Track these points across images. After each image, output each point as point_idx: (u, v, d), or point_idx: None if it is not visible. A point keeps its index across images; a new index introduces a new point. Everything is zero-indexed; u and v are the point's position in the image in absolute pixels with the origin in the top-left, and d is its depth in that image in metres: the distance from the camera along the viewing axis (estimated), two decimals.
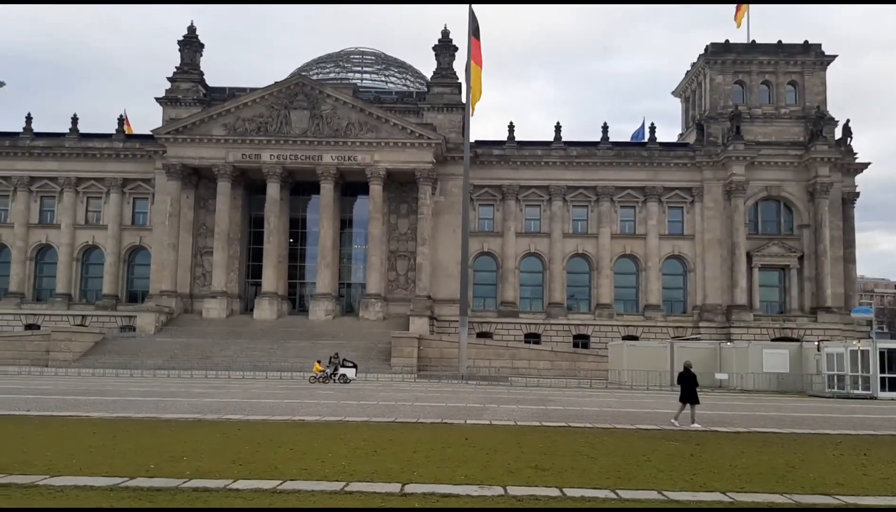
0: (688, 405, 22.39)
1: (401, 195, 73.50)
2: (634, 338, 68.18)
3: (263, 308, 68.36)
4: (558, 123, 74.94)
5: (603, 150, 74.18)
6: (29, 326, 71.46)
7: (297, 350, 59.87)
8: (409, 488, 10.68)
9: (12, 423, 19.25)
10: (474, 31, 55.97)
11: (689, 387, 22.54)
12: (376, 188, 69.49)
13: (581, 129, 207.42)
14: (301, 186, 73.01)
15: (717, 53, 75.52)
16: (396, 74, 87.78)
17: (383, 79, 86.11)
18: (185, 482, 10.71)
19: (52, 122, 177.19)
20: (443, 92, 74.13)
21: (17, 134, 76.23)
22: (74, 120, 75.79)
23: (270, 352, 60.08)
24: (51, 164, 74.96)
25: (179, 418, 20.93)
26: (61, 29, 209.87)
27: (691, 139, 78.12)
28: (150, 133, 71.18)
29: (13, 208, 75.33)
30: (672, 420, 22.14)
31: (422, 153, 69.64)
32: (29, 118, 76.23)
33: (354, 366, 46.24)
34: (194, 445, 14.99)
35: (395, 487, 10.71)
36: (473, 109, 56.72)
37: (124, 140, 75.20)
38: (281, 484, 10.74)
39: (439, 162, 71.29)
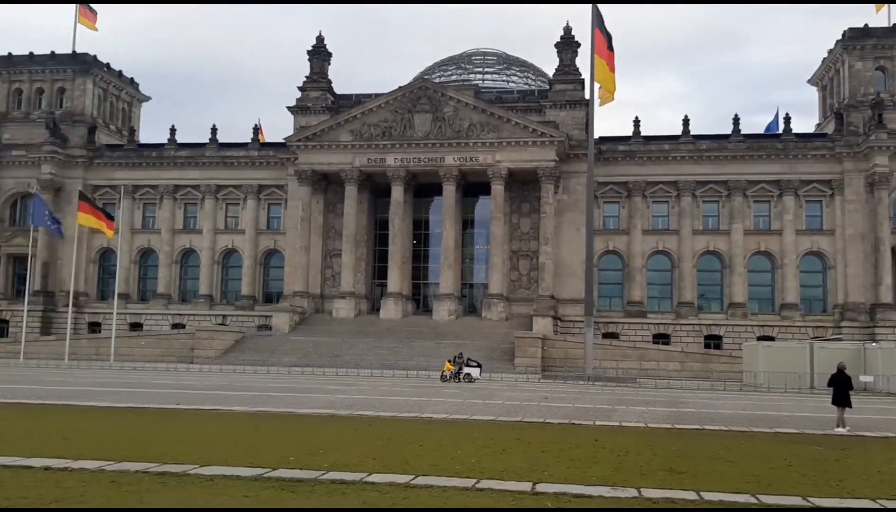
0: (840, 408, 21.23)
1: (523, 194, 73.31)
2: (770, 338, 65.11)
3: (389, 308, 69.89)
4: (686, 117, 72.63)
5: (734, 143, 71.30)
6: (175, 326, 76.04)
7: (421, 349, 60.88)
8: (541, 487, 10.68)
9: (165, 416, 20.59)
10: (599, 24, 55.04)
11: (842, 389, 21.34)
12: (498, 188, 69.63)
13: (711, 123, 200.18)
14: (424, 188, 74.16)
15: (856, 39, 71.02)
16: (518, 73, 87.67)
17: (504, 78, 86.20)
18: (323, 474, 11.14)
19: (193, 133, 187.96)
20: (565, 89, 73.43)
21: (162, 145, 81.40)
22: (213, 130, 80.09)
23: (396, 351, 61.36)
24: (193, 172, 79.51)
25: (314, 413, 21.74)
26: (200, 45, 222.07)
27: (829, 129, 73.81)
28: (283, 141, 74.32)
29: (160, 215, 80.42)
30: (836, 428, 20.77)
31: (544, 151, 69.22)
32: (173, 130, 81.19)
33: (479, 365, 46.52)
34: (330, 439, 15.54)
35: (525, 486, 10.73)
36: (605, 98, 55.22)
37: (259, 148, 78.82)
38: (414, 479, 10.98)
39: (562, 160, 70.64)
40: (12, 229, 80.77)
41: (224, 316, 76.34)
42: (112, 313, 68.56)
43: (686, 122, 72.56)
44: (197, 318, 75.98)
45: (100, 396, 26.61)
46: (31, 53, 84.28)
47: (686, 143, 71.99)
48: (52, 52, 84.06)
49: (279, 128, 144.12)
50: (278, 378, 44.29)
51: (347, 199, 71.60)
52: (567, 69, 73.61)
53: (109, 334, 65.05)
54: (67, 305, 70.55)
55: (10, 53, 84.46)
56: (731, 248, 70.45)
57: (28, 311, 68.86)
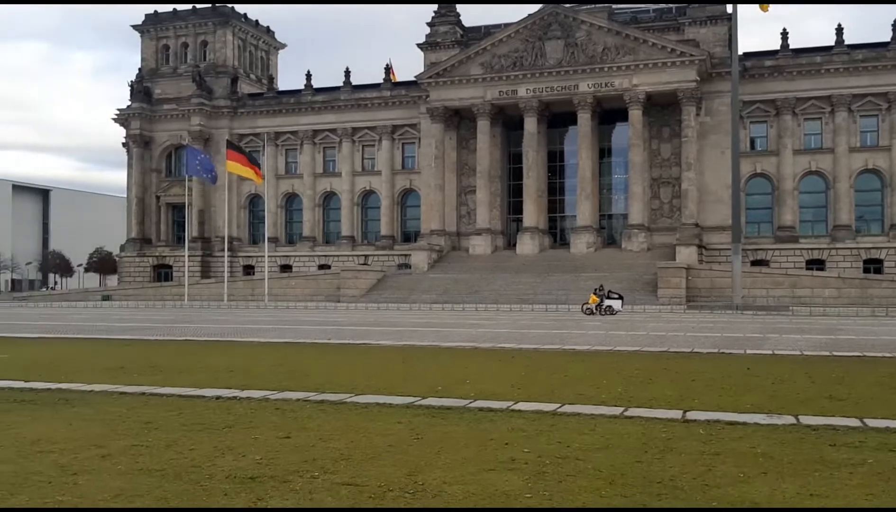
0: None
1: (662, 119, 70.58)
2: None
3: (525, 243, 69.83)
4: (840, 25, 67.12)
5: (894, 52, 65.30)
6: (321, 266, 79.47)
7: (560, 283, 60.64)
8: (691, 415, 10.47)
9: (319, 350, 21.68)
10: None
11: None
12: (636, 113, 67.32)
13: (867, 32, 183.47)
14: (557, 118, 72.82)
15: None
16: None
17: None
18: (470, 402, 11.41)
19: (328, 77, 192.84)
20: (705, 4, 69.37)
21: (299, 91, 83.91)
22: (347, 73, 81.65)
23: (534, 285, 61.44)
24: (329, 116, 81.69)
25: (457, 347, 22.23)
26: None
27: None
28: (414, 79, 74.76)
29: (301, 160, 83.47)
30: None
31: (684, 72, 66.09)
32: (308, 76, 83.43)
33: (620, 297, 45.86)
34: (474, 370, 15.85)
35: (676, 414, 10.56)
36: (764, 7, 51.60)
37: (391, 88, 79.75)
38: (560, 407, 11.04)
39: (703, 80, 67.26)
40: (169, 180, 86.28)
41: (366, 256, 78.93)
42: (263, 256, 72.48)
43: (839, 31, 67.08)
44: (340, 258, 78.95)
45: (259, 333, 28.34)
46: (175, 10, 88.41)
47: (840, 54, 66.65)
48: (194, 7, 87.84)
49: (411, 67, 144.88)
50: (420, 314, 45.52)
51: (480, 133, 71.45)
52: None
53: (262, 276, 68.89)
54: (223, 250, 75.11)
55: (156, 11, 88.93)
56: (892, 165, 65.31)
57: (188, 256, 73.83)
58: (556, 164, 75.01)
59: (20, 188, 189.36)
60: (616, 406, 11.15)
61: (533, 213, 70.42)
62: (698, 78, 66.23)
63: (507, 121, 74.17)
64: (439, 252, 72.15)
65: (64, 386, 13.25)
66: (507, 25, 71.93)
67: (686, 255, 62.73)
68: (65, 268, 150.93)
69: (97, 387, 13.17)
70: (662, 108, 69.77)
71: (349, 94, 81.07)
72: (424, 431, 9.41)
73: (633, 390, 12.87)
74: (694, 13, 69.57)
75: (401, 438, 8.99)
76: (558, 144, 75.06)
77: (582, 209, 69.12)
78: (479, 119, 71.42)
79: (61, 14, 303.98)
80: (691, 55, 65.69)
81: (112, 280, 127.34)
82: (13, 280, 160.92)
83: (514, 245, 71.69)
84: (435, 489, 6.79)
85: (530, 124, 70.15)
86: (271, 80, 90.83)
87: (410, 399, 11.73)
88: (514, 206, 74.79)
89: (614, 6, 74.33)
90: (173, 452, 8.33)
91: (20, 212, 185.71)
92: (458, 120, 75.05)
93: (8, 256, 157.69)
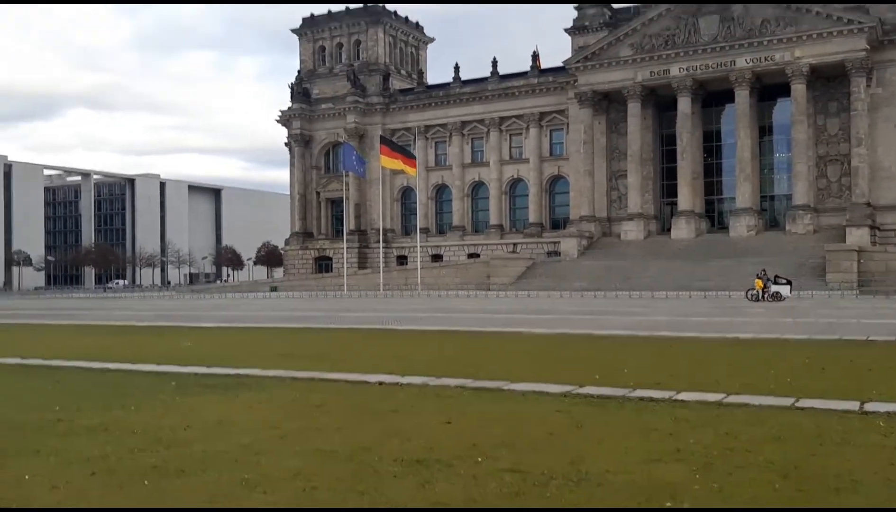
0: None
1: (828, 92, 66.01)
2: None
3: (680, 227, 67.53)
4: None
5: None
6: (471, 255, 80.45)
7: (719, 269, 58.22)
8: (870, 407, 9.84)
9: (474, 337, 22.05)
10: None
11: None
12: (799, 88, 63.37)
13: None
14: (712, 97, 69.80)
15: None
16: None
17: None
18: (630, 392, 11.24)
19: (475, 68, 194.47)
20: None
21: (447, 84, 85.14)
22: (494, 63, 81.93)
23: (691, 271, 59.31)
24: (477, 107, 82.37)
25: (613, 334, 21.92)
26: None
27: None
28: (562, 64, 73.98)
29: (450, 151, 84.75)
30: None
31: (852, 41, 61.50)
32: (457, 68, 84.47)
33: (789, 283, 43.39)
34: (632, 359, 15.59)
35: (852, 405, 9.95)
36: None
37: (538, 75, 79.30)
38: (725, 397, 10.68)
39: (874, 48, 62.31)
40: (327, 176, 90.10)
41: (514, 244, 79.11)
42: (416, 247, 74.30)
43: None
44: (489, 247, 79.55)
45: (414, 321, 29.15)
46: (330, 11, 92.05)
47: None
48: (347, 8, 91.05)
49: (558, 53, 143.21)
50: (571, 302, 45.14)
51: (630, 116, 69.70)
52: None
53: (415, 266, 70.65)
54: (378, 242, 77.68)
55: (312, 14, 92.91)
56: None
57: (346, 248, 76.89)
58: (711, 145, 71.93)
59: (195, 188, 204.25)
60: (786, 397, 10.64)
61: (688, 196, 67.94)
62: (868, 47, 61.39)
63: (659, 102, 71.86)
64: (589, 238, 71.12)
65: (241, 371, 14.25)
66: (657, 3, 69.59)
67: (857, 236, 58.47)
68: (236, 261, 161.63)
69: (270, 372, 14.06)
70: (828, 81, 65.23)
71: (496, 83, 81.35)
72: (584, 419, 9.39)
73: (803, 380, 12.24)
74: None
75: (560, 426, 9.02)
76: (714, 124, 71.94)
77: (741, 191, 65.93)
78: (629, 101, 69.66)
79: (226, 23, 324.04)
80: (860, 22, 60.97)
81: (278, 272, 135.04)
82: (191, 273, 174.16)
83: (669, 230, 69.47)
84: (598, 478, 6.79)
85: (684, 104, 67.63)
86: (421, 74, 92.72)
87: (567, 387, 11.71)
88: (668, 190, 72.44)
89: None
90: (343, 434, 8.78)
91: (195, 210, 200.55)
92: (608, 103, 73.53)
93: (186, 251, 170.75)
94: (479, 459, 7.47)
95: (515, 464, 7.28)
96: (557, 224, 79.19)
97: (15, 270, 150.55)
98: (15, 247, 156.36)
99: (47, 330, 27.87)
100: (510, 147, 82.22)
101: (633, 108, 69.40)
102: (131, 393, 12.03)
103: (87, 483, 6.86)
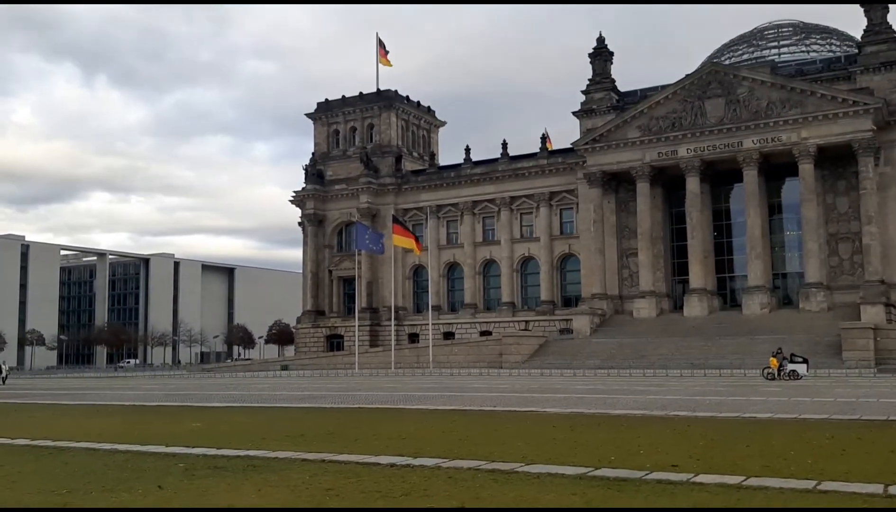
0: None
1: (836, 171, 66.57)
2: None
3: (693, 305, 67.25)
4: None
5: None
6: (483, 333, 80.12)
7: (733, 347, 57.69)
8: (894, 490, 9.58)
9: (486, 417, 21.75)
10: None
11: None
12: (807, 167, 63.96)
13: None
14: (721, 177, 70.49)
15: None
16: (818, 42, 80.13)
17: (804, 49, 79.24)
18: (646, 474, 11.00)
19: (485, 150, 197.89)
20: (878, 50, 65.65)
21: (459, 165, 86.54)
22: (504, 145, 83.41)
23: (705, 349, 58.79)
24: (488, 187, 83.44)
25: (627, 414, 21.58)
26: (484, 66, 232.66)
27: None
28: (570, 146, 75.24)
29: (461, 230, 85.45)
30: None
31: (858, 122, 62.34)
32: (468, 150, 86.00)
33: (805, 361, 42.81)
34: (647, 439, 15.31)
35: (876, 488, 9.70)
36: None
37: (547, 156, 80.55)
38: (745, 480, 10.43)
39: (880, 128, 63.12)
40: (340, 255, 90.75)
41: (526, 321, 78.83)
42: (427, 324, 74.09)
43: None
44: (501, 324, 79.26)
45: (425, 401, 28.83)
46: (344, 96, 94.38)
47: None
48: (361, 93, 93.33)
49: (566, 134, 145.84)
50: (584, 380, 44.63)
51: (640, 196, 70.32)
52: (878, 28, 65.88)
53: (427, 344, 70.32)
54: (390, 319, 77.58)
55: (326, 99, 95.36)
56: None
57: (358, 326, 76.76)
58: (721, 223, 72.27)
59: (208, 267, 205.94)
60: (807, 479, 10.39)
61: (700, 274, 67.89)
62: (875, 127, 62.19)
63: (667, 182, 72.60)
64: (602, 316, 70.83)
65: (251, 453, 14.06)
66: (663, 87, 71.08)
67: (872, 314, 58.00)
68: (247, 340, 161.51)
69: (281, 454, 13.88)
70: (836, 161, 65.86)
71: (507, 164, 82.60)
72: (600, 503, 9.18)
73: (823, 462, 11.96)
74: (866, 60, 65.76)
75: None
76: (723, 203, 72.43)
77: (753, 269, 65.85)
78: (638, 181, 70.40)
79: (242, 108, 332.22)
80: (865, 103, 61.94)
81: (289, 350, 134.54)
82: (202, 352, 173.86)
83: (681, 307, 69.16)
84: None
85: (692, 184, 68.28)
86: (432, 156, 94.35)
87: (582, 469, 11.48)
88: (679, 268, 72.46)
89: (777, 60, 71.76)
90: None
91: (208, 289, 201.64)
92: (616, 183, 74.32)
93: (198, 329, 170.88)
94: None
95: None
96: (569, 302, 79.05)
97: (28, 349, 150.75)
98: (29, 326, 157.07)
99: (57, 410, 27.72)
100: (521, 225, 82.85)
101: (643, 187, 70.10)
102: (139, 475, 11.88)
103: None
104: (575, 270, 79.17)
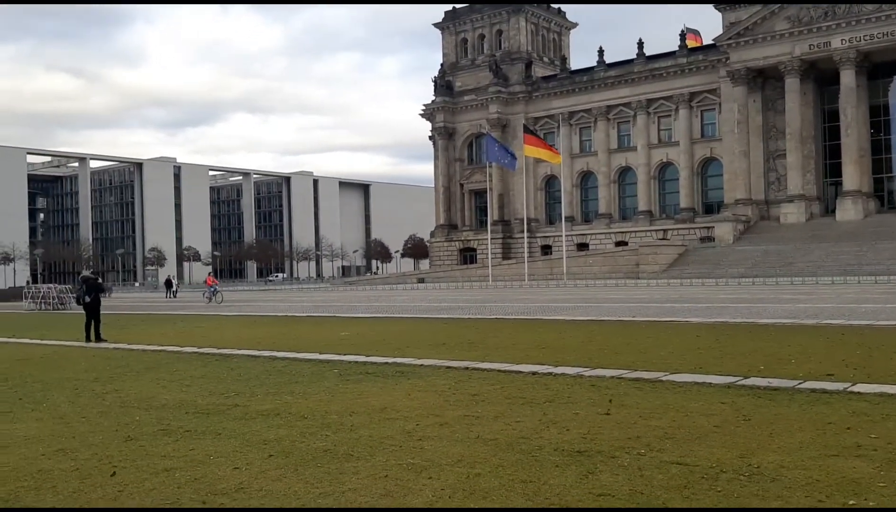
0: None
1: None
2: None
3: (846, 208, 63.20)
4: None
5: None
6: (618, 243, 78.83)
7: (891, 251, 54.08)
8: None
9: (625, 327, 21.59)
10: None
11: None
12: None
13: None
14: (879, 68, 64.79)
15: None
16: None
17: None
18: (800, 383, 10.66)
19: (619, 52, 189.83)
20: None
21: (591, 68, 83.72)
22: (640, 45, 79.75)
23: (859, 255, 55.41)
24: (623, 90, 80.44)
25: (776, 323, 20.82)
26: None
27: None
28: (712, 42, 70.99)
29: (595, 137, 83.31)
30: None
31: None
32: (601, 52, 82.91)
33: None
34: (798, 348, 14.77)
35: None
36: None
37: (687, 55, 76.48)
38: None
39: None
40: (471, 167, 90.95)
41: (664, 230, 76.80)
42: (561, 235, 73.61)
43: None
44: (638, 234, 77.63)
45: (562, 311, 28.94)
46: (471, 3, 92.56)
47: None
48: None
49: (706, 31, 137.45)
50: (727, 289, 43.28)
51: (788, 93, 65.87)
52: None
53: (560, 255, 70.02)
54: (522, 231, 77.60)
55: (454, 7, 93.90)
56: None
57: (490, 239, 77.34)
58: (879, 120, 66.76)
59: (345, 184, 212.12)
60: None
61: (854, 175, 63.42)
62: None
63: (819, 76, 67.41)
64: (746, 223, 67.88)
65: (398, 360, 14.68)
66: None
67: None
68: (384, 254, 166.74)
69: (426, 361, 14.39)
70: None
71: (643, 65, 79.11)
72: (752, 412, 8.99)
73: None
74: None
75: (726, 418, 8.69)
76: (882, 97, 66.67)
77: None
78: (786, 77, 65.80)
79: (369, 25, 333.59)
80: None
81: (424, 263, 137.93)
82: (343, 266, 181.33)
83: (832, 211, 65.17)
84: (772, 473, 6.49)
85: (847, 78, 63.11)
86: (564, 60, 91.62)
87: (731, 379, 11.25)
88: (831, 169, 67.93)
89: None
90: (502, 423, 8.86)
91: (346, 205, 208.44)
92: (762, 80, 69.78)
93: (338, 245, 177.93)
94: (642, 451, 7.32)
95: (681, 456, 7.09)
96: (710, 209, 76.13)
97: (185, 265, 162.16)
98: (185, 243, 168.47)
99: (217, 321, 29.84)
100: (658, 130, 79.76)
101: (792, 84, 65.49)
102: (298, 380, 12.68)
103: (265, 464, 7.30)
104: (717, 175, 75.81)
